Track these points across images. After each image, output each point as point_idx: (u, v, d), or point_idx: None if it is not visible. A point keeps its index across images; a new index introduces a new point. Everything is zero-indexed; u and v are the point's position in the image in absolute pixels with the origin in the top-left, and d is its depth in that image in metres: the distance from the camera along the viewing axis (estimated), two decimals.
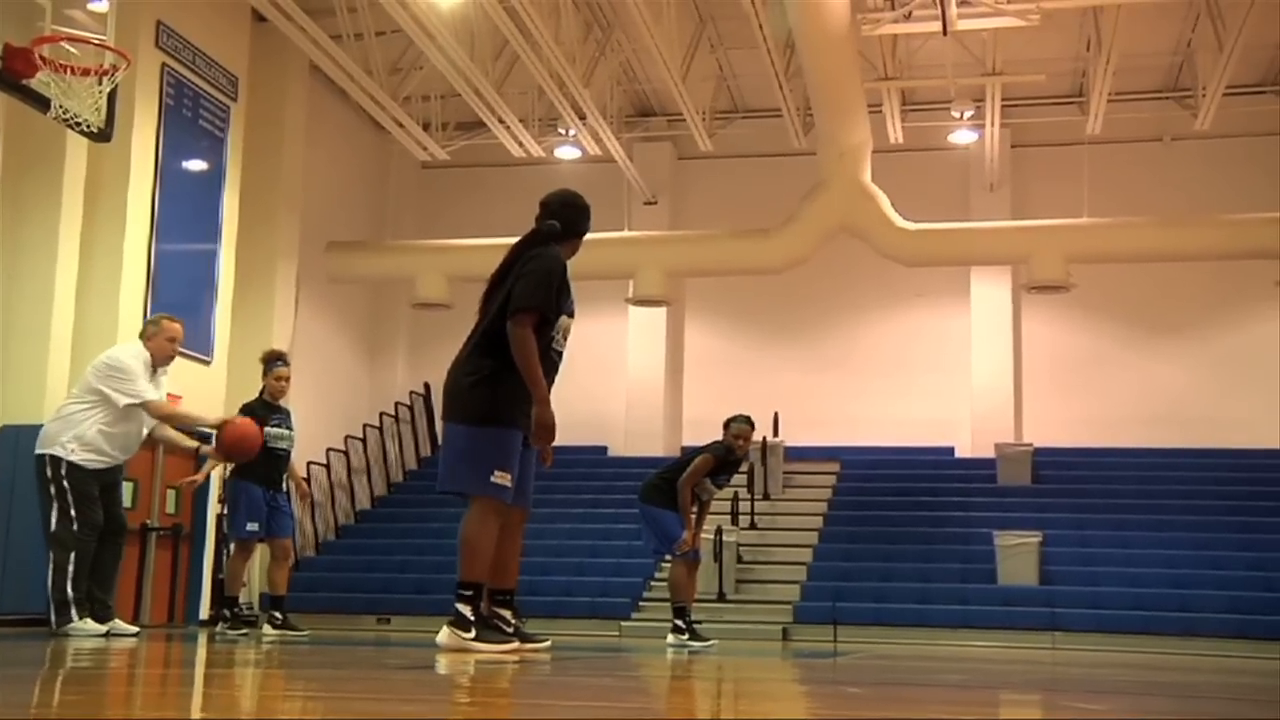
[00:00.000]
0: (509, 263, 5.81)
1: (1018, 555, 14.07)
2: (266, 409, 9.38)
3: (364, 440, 17.89)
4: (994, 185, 18.10)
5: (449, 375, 5.79)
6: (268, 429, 9.30)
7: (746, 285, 17.98)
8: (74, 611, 7.41)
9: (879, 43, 14.95)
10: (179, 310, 12.54)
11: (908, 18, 13.41)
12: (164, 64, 12.59)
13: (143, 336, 7.96)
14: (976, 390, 18.01)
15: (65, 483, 7.49)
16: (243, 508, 9.26)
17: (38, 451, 7.62)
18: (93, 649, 5.94)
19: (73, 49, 8.52)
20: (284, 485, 9.51)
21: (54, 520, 7.48)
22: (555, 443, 5.71)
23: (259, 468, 9.26)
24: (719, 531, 14.14)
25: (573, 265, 5.95)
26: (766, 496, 16.50)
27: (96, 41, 8.72)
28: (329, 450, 16.84)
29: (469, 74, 14.57)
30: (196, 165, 13.19)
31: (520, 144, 16.63)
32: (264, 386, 9.45)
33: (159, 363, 7.82)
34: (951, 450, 18.06)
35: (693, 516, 9.66)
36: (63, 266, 11.45)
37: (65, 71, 8.44)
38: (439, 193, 19.46)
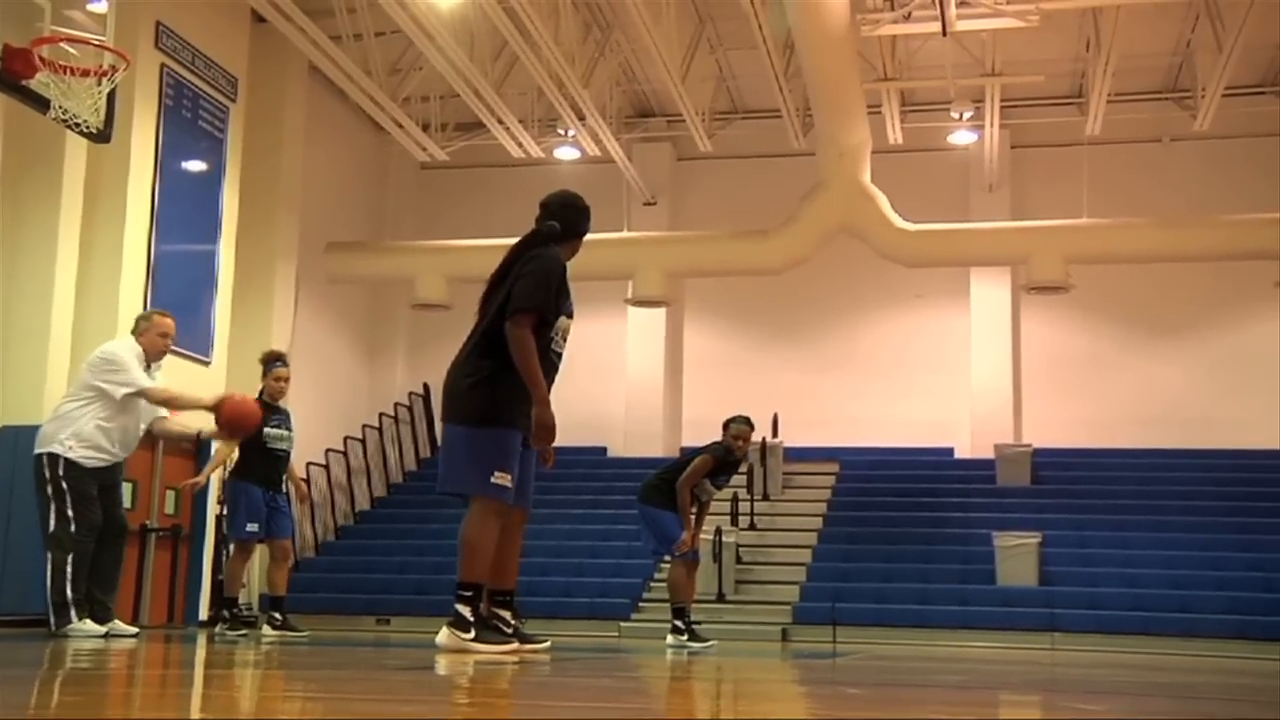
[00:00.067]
0: (508, 263, 5.81)
1: (1017, 556, 14.07)
2: (266, 410, 9.36)
3: (363, 441, 17.89)
4: (993, 186, 18.10)
5: (448, 376, 5.79)
6: (267, 429, 9.30)
7: (746, 286, 17.98)
8: (73, 613, 7.41)
9: (878, 43, 14.95)
10: (178, 310, 12.53)
11: (907, 18, 13.41)
12: (163, 65, 12.60)
13: (134, 332, 7.95)
14: (976, 391, 18.01)
15: (63, 483, 7.48)
16: (242, 508, 9.26)
17: (36, 451, 7.61)
18: (92, 650, 5.93)
19: (72, 50, 8.52)
20: (283, 486, 9.50)
21: (52, 521, 7.47)
22: (555, 443, 5.71)
23: (258, 468, 9.27)
24: (718, 532, 14.14)
25: (572, 266, 5.95)
26: (766, 497, 16.50)
27: (96, 42, 8.73)
28: (328, 451, 16.84)
29: (468, 74, 14.58)
30: (196, 166, 13.19)
31: (520, 145, 16.64)
32: (263, 387, 9.45)
33: (152, 358, 7.82)
34: (951, 451, 18.06)
35: (692, 517, 9.66)
36: (62, 267, 11.45)
37: (65, 72, 8.44)
38: (438, 193, 19.46)
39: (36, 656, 5.37)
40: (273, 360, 9.58)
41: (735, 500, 15.35)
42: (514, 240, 5.95)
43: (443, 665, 4.92)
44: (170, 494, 12.72)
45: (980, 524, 14.99)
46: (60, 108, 8.52)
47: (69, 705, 3.00)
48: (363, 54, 14.77)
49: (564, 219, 5.95)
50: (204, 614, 12.84)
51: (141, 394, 7.61)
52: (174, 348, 12.21)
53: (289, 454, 9.51)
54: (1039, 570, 14.13)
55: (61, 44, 8.48)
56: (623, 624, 13.69)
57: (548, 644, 6.16)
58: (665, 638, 9.73)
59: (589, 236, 6.13)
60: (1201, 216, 16.10)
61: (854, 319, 18.80)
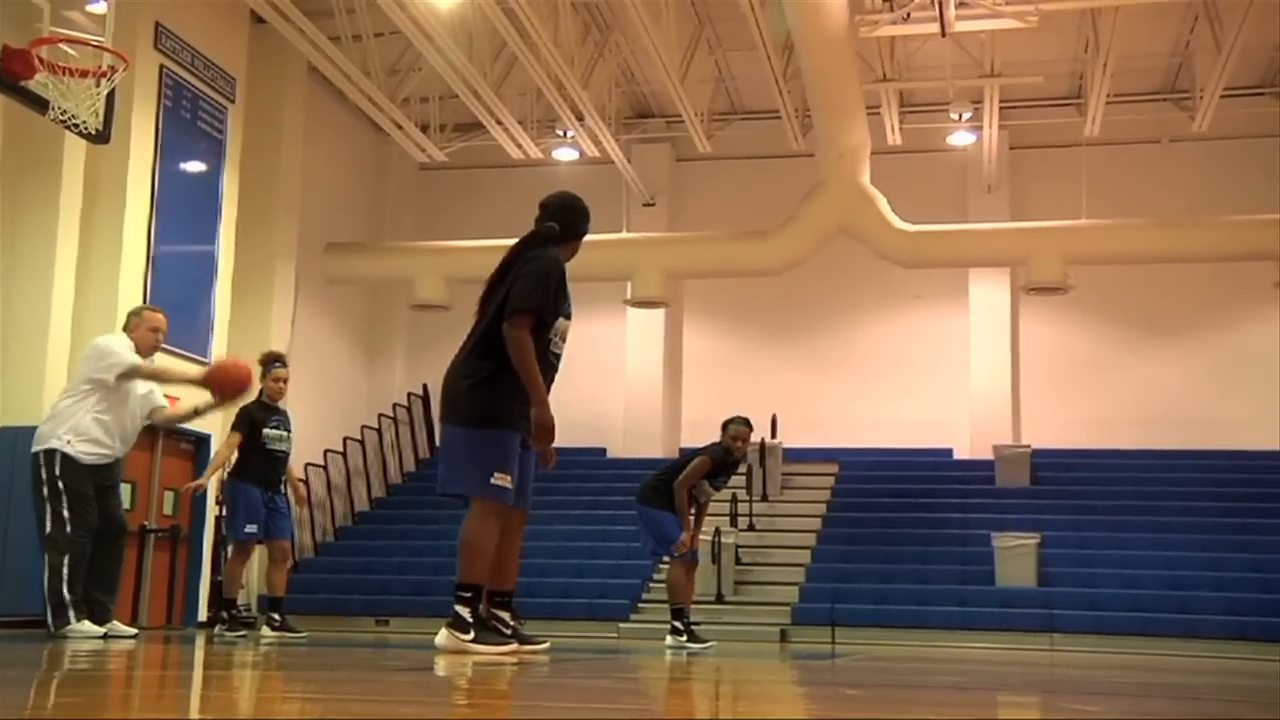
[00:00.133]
0: (507, 264, 5.81)
1: (1016, 557, 14.07)
2: (264, 411, 9.38)
3: (362, 442, 17.88)
4: (992, 187, 18.11)
5: (447, 377, 5.78)
6: (266, 430, 9.30)
7: (745, 287, 17.98)
8: (71, 613, 7.40)
9: (877, 44, 14.96)
10: (177, 311, 12.56)
11: (906, 19, 13.41)
12: (162, 65, 12.59)
13: (126, 329, 7.95)
14: (975, 392, 18.01)
15: (60, 483, 7.47)
16: (241, 509, 9.27)
17: (33, 449, 7.61)
18: (90, 651, 5.93)
19: (71, 50, 8.51)
20: (282, 487, 9.50)
21: (48, 522, 7.46)
22: (554, 444, 5.70)
23: (257, 470, 9.27)
24: (717, 533, 14.14)
25: (571, 267, 5.94)
26: (765, 498, 16.50)
27: (95, 43, 8.71)
28: (327, 452, 16.83)
29: (467, 75, 14.57)
30: (195, 167, 13.19)
31: (519, 145, 16.64)
32: (262, 388, 9.44)
33: (144, 353, 7.81)
34: (950, 452, 18.07)
35: (691, 518, 9.65)
36: (61, 268, 11.45)
37: (63, 73, 8.43)
38: (437, 194, 19.46)
39: (35, 657, 5.36)
40: (271, 361, 9.58)
41: (734, 501, 15.35)
42: (513, 241, 5.95)
43: (442, 666, 4.92)
44: (169, 495, 12.73)
45: (979, 525, 14.99)
46: (59, 108, 8.52)
47: (67, 706, 2.99)
48: (362, 55, 14.76)
49: (563, 220, 5.95)
50: (203, 615, 12.84)
51: (133, 371, 7.58)
52: (173, 348, 12.23)
53: (288, 455, 9.51)
54: (1038, 571, 14.14)
55: (60, 45, 8.47)
56: (622, 625, 13.69)
57: (547, 645, 6.16)
58: (664, 638, 9.73)
59: (588, 237, 6.12)
60: (1200, 217, 16.11)
61: (853, 320, 18.81)
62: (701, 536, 10.48)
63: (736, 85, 17.93)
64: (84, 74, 8.56)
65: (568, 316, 5.82)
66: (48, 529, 7.46)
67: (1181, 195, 17.35)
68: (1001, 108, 16.60)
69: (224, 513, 10.52)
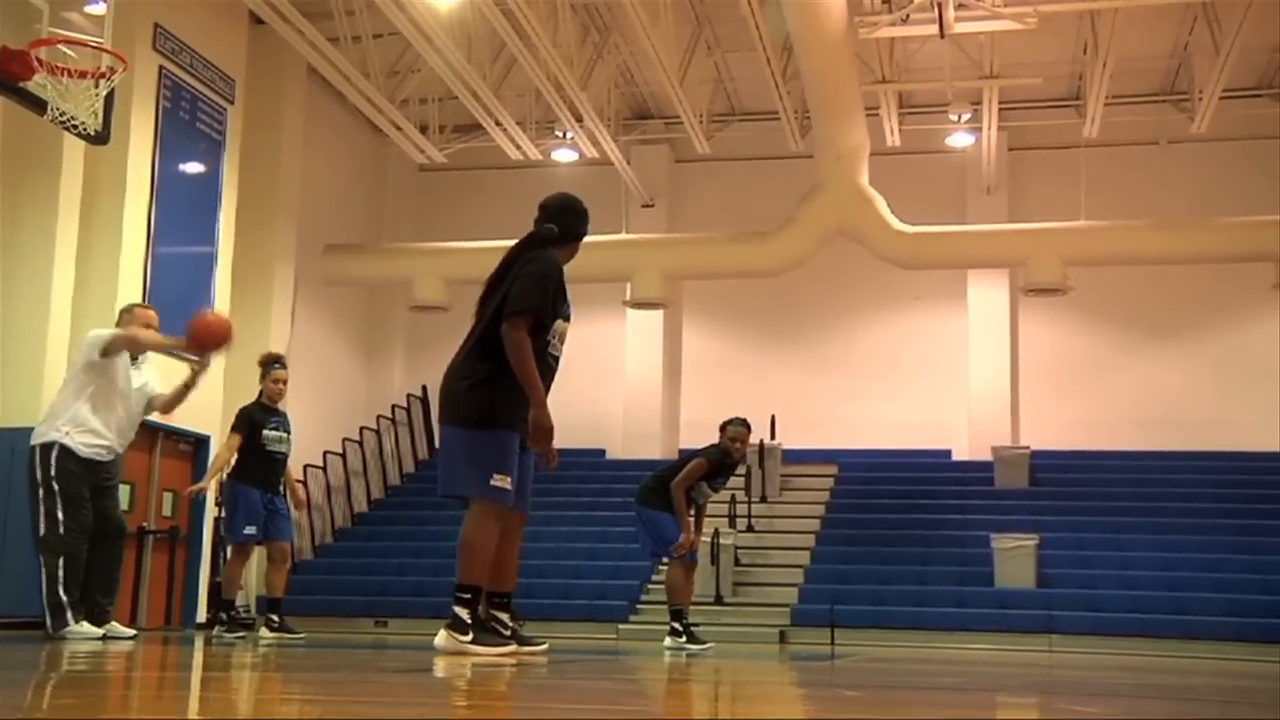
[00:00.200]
0: (506, 266, 5.81)
1: (1015, 558, 14.08)
2: (264, 412, 9.38)
3: (361, 443, 17.88)
4: (991, 188, 18.11)
5: (445, 379, 5.78)
6: (265, 432, 9.30)
7: (744, 288, 17.98)
8: (70, 615, 7.39)
9: (876, 45, 14.96)
10: (176, 312, 12.55)
11: (905, 20, 13.41)
12: (161, 66, 12.59)
13: (118, 325, 7.96)
14: (974, 393, 18.01)
15: (55, 485, 7.46)
16: (240, 511, 9.26)
17: (31, 444, 7.60)
18: (89, 652, 5.93)
19: (70, 51, 8.50)
20: (281, 489, 9.50)
21: (41, 524, 7.45)
22: (553, 445, 5.70)
23: (257, 471, 9.27)
24: (716, 534, 14.14)
25: (570, 268, 5.94)
26: (764, 499, 16.50)
27: (94, 44, 8.71)
28: (326, 453, 16.83)
29: (466, 77, 14.58)
30: (194, 168, 13.19)
31: (518, 147, 16.64)
32: (262, 389, 9.45)
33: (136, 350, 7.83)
34: (949, 453, 18.07)
35: (690, 519, 9.65)
36: (60, 269, 11.44)
37: (62, 74, 8.43)
38: (436, 195, 19.46)
39: (33, 659, 5.36)
40: (271, 362, 9.57)
41: (733, 502, 15.36)
42: (512, 242, 5.95)
43: (441, 667, 4.92)
44: (168, 496, 12.72)
45: (978, 526, 14.99)
46: (58, 109, 8.51)
47: (65, 708, 2.99)
48: (361, 56, 14.77)
49: (562, 222, 5.95)
50: (202, 616, 12.84)
51: (114, 342, 7.57)
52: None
53: (287, 457, 9.51)
54: (1037, 572, 14.14)
55: (59, 46, 8.47)
56: (621, 626, 13.69)
57: (545, 646, 6.16)
58: (663, 640, 9.74)
59: (587, 239, 6.12)
60: (1199, 219, 16.12)
61: (852, 321, 18.81)
62: (701, 538, 10.48)
63: (735, 86, 17.94)
64: (83, 75, 8.56)
65: (566, 318, 5.82)
66: (42, 531, 7.46)
67: (1180, 196, 17.36)
68: (1000, 109, 16.61)
69: (223, 514, 10.52)
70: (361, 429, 17.96)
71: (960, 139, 17.78)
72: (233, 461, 9.37)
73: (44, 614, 7.45)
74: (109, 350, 7.57)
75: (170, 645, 8.10)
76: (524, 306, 5.59)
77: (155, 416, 11.66)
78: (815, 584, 14.42)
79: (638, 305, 16.75)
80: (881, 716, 3.34)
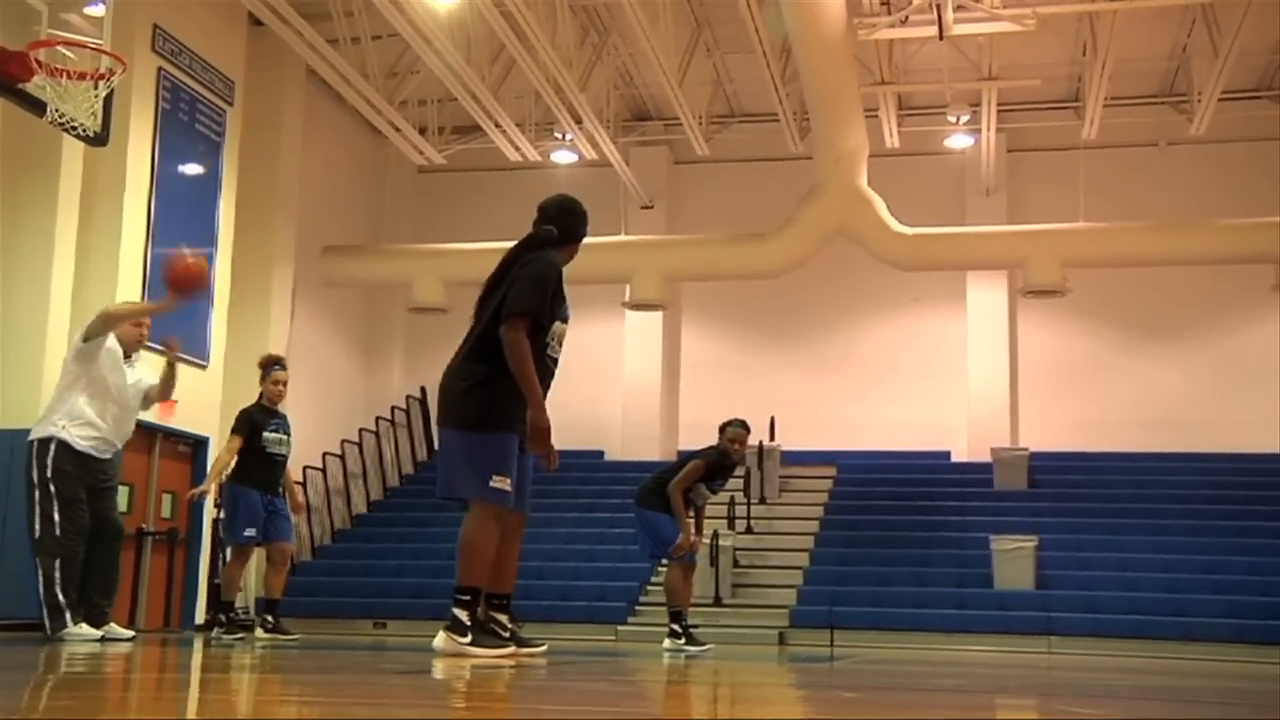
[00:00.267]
0: (504, 267, 5.81)
1: (1014, 560, 14.07)
2: (264, 414, 9.38)
3: (360, 444, 17.87)
4: (990, 190, 18.11)
5: (444, 380, 5.78)
6: (266, 434, 9.29)
7: (743, 289, 17.99)
8: (68, 616, 7.40)
9: (875, 47, 14.96)
10: (174, 315, 12.55)
11: (904, 22, 13.42)
12: (160, 68, 12.59)
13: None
14: (973, 395, 18.01)
15: (51, 486, 7.46)
16: (241, 513, 9.26)
17: (29, 439, 7.61)
18: (87, 654, 5.92)
19: (69, 53, 8.50)
20: (281, 490, 9.50)
21: (37, 526, 7.46)
22: (553, 449, 5.69)
23: (257, 473, 9.26)
24: (715, 535, 14.13)
25: (569, 270, 5.94)
26: (763, 501, 16.50)
27: (93, 45, 8.70)
28: (325, 454, 16.82)
29: (465, 78, 14.58)
30: (193, 169, 13.18)
31: (517, 148, 16.64)
32: (262, 391, 9.45)
33: (129, 348, 7.84)
34: (948, 455, 18.07)
35: (691, 521, 9.64)
36: (59, 271, 11.45)
37: (61, 75, 8.43)
38: (435, 197, 19.45)
39: (32, 660, 5.36)
40: (271, 364, 9.57)
41: (732, 504, 15.36)
42: (511, 244, 5.95)
43: (439, 669, 4.92)
44: (167, 498, 12.72)
45: (977, 527, 14.99)
46: (57, 111, 8.51)
47: (63, 709, 2.99)
48: (360, 57, 14.77)
49: (561, 223, 5.95)
50: (200, 618, 12.83)
51: (99, 323, 7.57)
52: None
53: (287, 459, 9.50)
54: (1036, 574, 14.14)
55: (58, 47, 8.47)
56: (620, 628, 13.69)
57: (544, 648, 6.15)
58: (662, 641, 9.73)
59: (586, 240, 6.12)
60: (1198, 220, 16.13)
61: (851, 322, 18.81)
62: (701, 539, 10.48)
63: (735, 88, 17.94)
64: (82, 76, 8.56)
65: (565, 320, 5.81)
66: (37, 533, 7.46)
67: (1179, 198, 17.36)
68: (999, 110, 16.61)
69: (222, 516, 10.51)
70: (360, 431, 17.96)
71: (959, 140, 17.79)
72: (233, 463, 9.37)
73: (42, 615, 7.45)
74: (90, 333, 7.59)
75: (169, 647, 8.09)
76: (522, 308, 5.59)
77: (156, 418, 11.71)
78: (814, 585, 14.42)
79: (637, 307, 16.75)
80: (880, 718, 3.34)
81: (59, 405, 7.60)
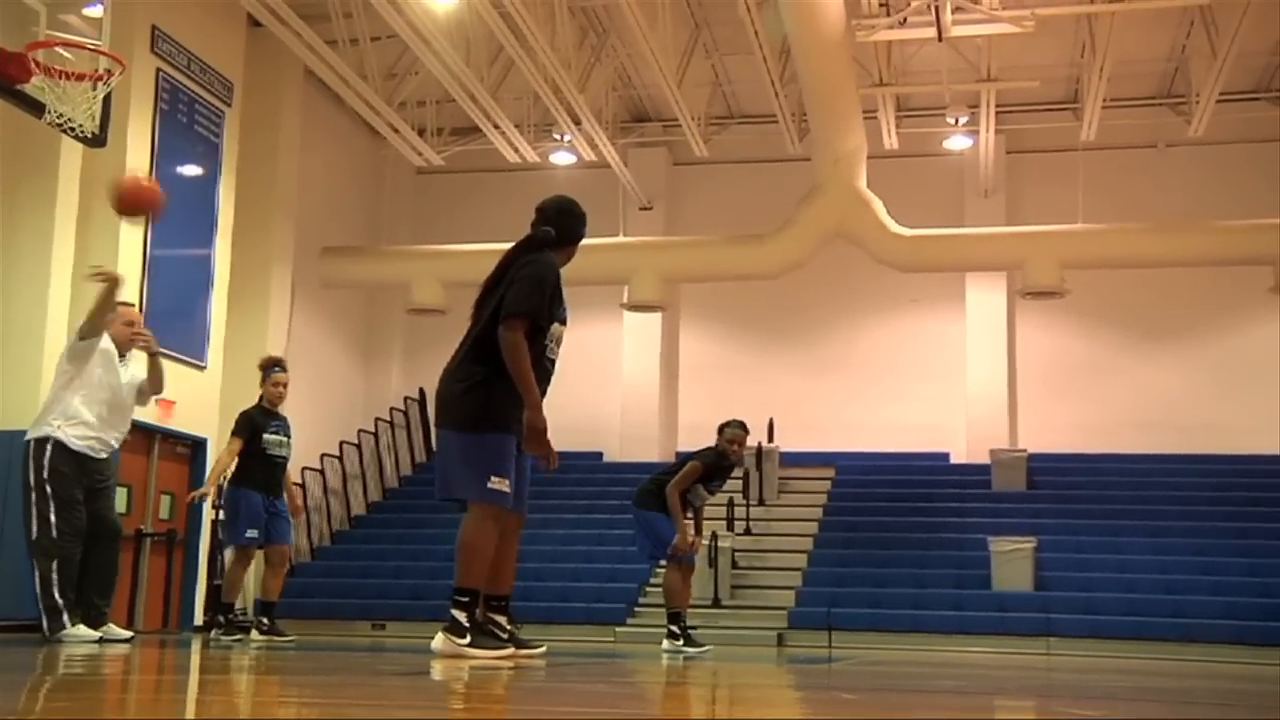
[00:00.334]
0: (503, 268, 5.80)
1: (1012, 561, 14.08)
2: (265, 415, 9.37)
3: (359, 446, 17.86)
4: (989, 191, 18.12)
5: (441, 382, 5.78)
6: (266, 436, 9.29)
7: (742, 291, 17.99)
8: (66, 617, 7.39)
9: (874, 49, 14.97)
10: (174, 315, 12.61)
11: (903, 24, 13.43)
12: (159, 69, 12.59)
13: None
14: (971, 396, 18.01)
15: (48, 487, 7.46)
16: (243, 514, 9.25)
17: (26, 438, 7.61)
18: (85, 655, 5.92)
19: (67, 54, 8.50)
20: (282, 492, 9.49)
21: (34, 527, 7.46)
22: (551, 449, 5.68)
23: (258, 475, 9.26)
24: (714, 537, 14.13)
25: (567, 271, 5.94)
26: (761, 502, 16.50)
27: (91, 46, 8.70)
28: (323, 456, 16.81)
29: (464, 79, 14.58)
30: (191, 170, 13.18)
31: (515, 149, 16.65)
32: (262, 393, 9.44)
33: (123, 348, 7.84)
34: (946, 456, 18.07)
35: (689, 522, 9.64)
36: (57, 272, 11.44)
37: (60, 76, 8.43)
38: (434, 198, 19.45)
39: (30, 661, 5.35)
40: (271, 366, 9.56)
41: (731, 505, 15.36)
42: (509, 245, 5.95)
43: (438, 670, 4.92)
44: (165, 499, 12.72)
45: (976, 529, 15.00)
46: (55, 112, 8.51)
47: (61, 710, 2.99)
48: (358, 59, 14.76)
49: (559, 224, 5.94)
50: (199, 619, 12.83)
51: (88, 323, 7.57)
52: (170, 352, 12.21)
53: (288, 461, 9.50)
54: (1034, 575, 14.14)
55: (57, 48, 8.47)
56: (618, 629, 13.69)
57: (543, 649, 6.15)
58: (661, 642, 9.73)
59: (584, 241, 6.12)
60: (1197, 222, 16.13)
61: (850, 324, 18.81)
62: (701, 540, 10.47)
63: (733, 89, 17.94)
64: (80, 77, 8.56)
65: (563, 321, 5.81)
66: (34, 535, 7.46)
67: (1178, 200, 17.37)
68: (998, 112, 16.62)
69: (220, 517, 10.51)
70: (359, 432, 17.95)
71: (958, 142, 17.79)
72: (233, 466, 9.37)
73: (40, 617, 7.45)
74: (83, 333, 7.60)
75: (167, 648, 8.09)
76: (520, 309, 5.59)
77: (155, 419, 11.72)
78: (813, 587, 14.42)
79: (635, 308, 16.75)
80: (879, 719, 3.34)
81: (54, 406, 7.61)
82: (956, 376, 18.13)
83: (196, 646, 8.30)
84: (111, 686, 3.99)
